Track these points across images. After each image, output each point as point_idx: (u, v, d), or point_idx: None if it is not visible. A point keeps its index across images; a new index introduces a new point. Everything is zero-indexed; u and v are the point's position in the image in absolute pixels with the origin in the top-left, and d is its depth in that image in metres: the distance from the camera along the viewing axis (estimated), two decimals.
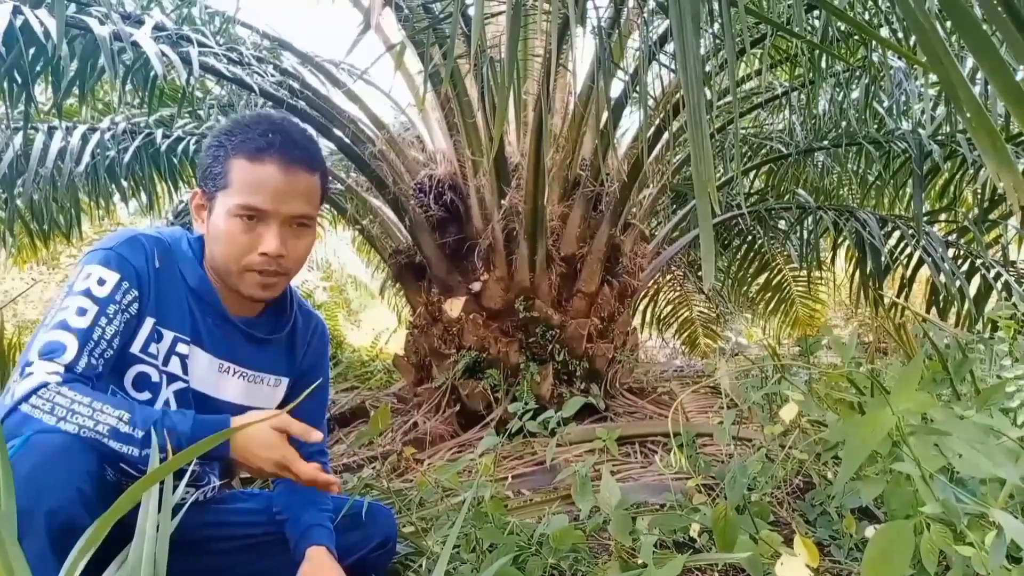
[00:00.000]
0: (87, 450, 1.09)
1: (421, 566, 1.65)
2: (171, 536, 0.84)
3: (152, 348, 1.27)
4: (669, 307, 6.88)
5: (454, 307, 3.26)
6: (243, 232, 1.25)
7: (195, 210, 1.34)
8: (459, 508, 1.85)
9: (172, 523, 0.85)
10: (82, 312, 1.17)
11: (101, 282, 1.20)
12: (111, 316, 1.19)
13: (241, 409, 1.40)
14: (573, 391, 3.18)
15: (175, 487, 0.93)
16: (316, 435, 1.19)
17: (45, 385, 1.09)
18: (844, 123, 3.87)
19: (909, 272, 4.15)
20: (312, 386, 1.23)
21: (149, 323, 1.26)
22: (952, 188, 4.14)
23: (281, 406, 1.47)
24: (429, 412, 3.19)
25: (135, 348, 1.25)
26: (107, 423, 1.08)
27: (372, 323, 9.53)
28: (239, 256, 1.26)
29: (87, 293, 1.18)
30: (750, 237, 5.30)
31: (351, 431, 3.38)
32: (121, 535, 0.86)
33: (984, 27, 0.77)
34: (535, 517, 1.91)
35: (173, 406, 1.28)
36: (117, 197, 4.08)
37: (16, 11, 2.19)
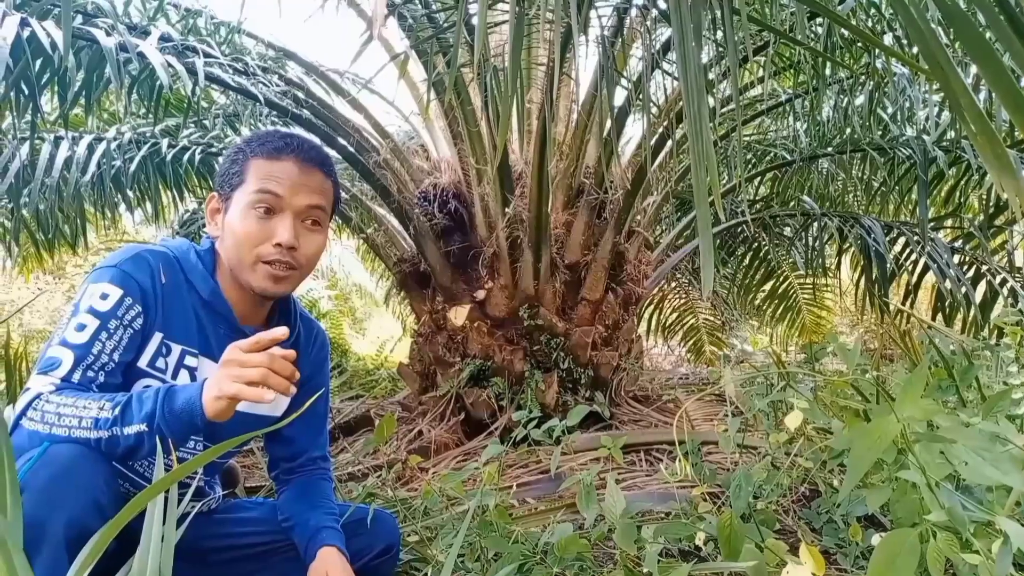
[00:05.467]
0: (103, 461, 1.11)
1: (426, 574, 1.65)
2: (176, 546, 0.85)
3: (160, 362, 1.28)
4: (674, 314, 6.87)
5: (458, 315, 3.26)
6: (257, 224, 1.28)
7: (210, 214, 1.38)
8: (464, 517, 1.85)
9: (177, 533, 0.86)
10: (81, 328, 1.19)
11: (104, 297, 1.22)
12: (112, 331, 1.21)
13: (247, 417, 1.41)
14: (578, 399, 3.18)
15: (179, 497, 0.94)
16: (281, 331, 1.11)
17: (39, 396, 1.12)
18: (848, 130, 3.86)
19: (914, 278, 4.14)
20: (316, 395, 1.25)
21: (157, 338, 1.28)
22: (957, 194, 4.12)
23: (286, 414, 1.48)
24: (434, 420, 3.19)
25: (142, 363, 1.26)
26: (90, 416, 1.09)
27: (377, 331, 9.55)
28: (253, 246, 1.29)
29: (89, 310, 1.21)
30: (755, 244, 5.29)
31: (356, 440, 3.38)
32: (129, 546, 0.87)
33: (986, 35, 0.77)
34: (540, 526, 1.91)
35: None
36: (123, 207, 4.09)
37: (23, 23, 2.21)
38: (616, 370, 3.39)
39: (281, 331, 1.11)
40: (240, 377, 1.06)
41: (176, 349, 1.30)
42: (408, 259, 3.63)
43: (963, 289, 3.76)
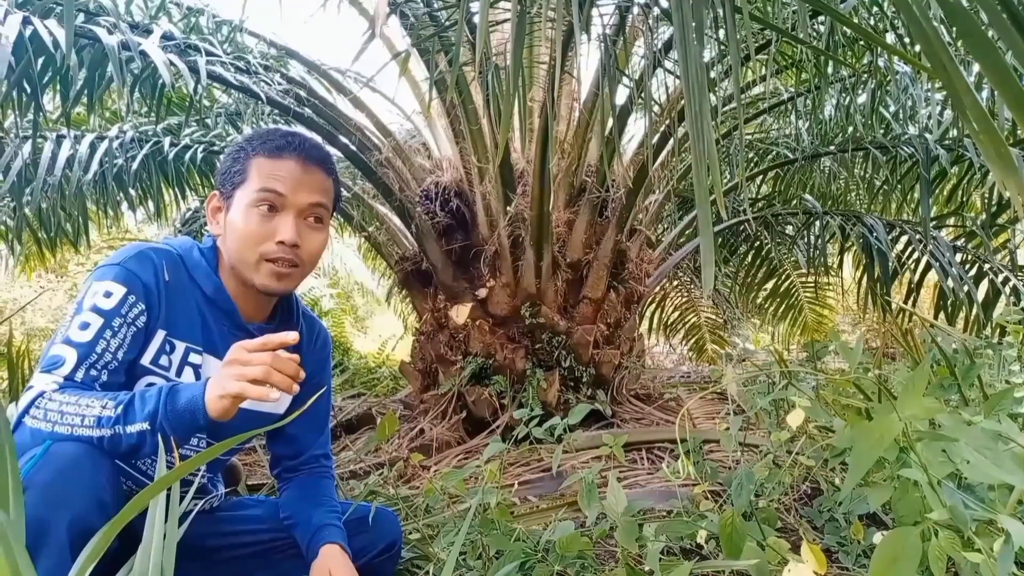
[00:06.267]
0: (105, 459, 1.10)
1: (428, 572, 1.65)
2: (178, 544, 0.85)
3: (163, 360, 1.28)
4: (676, 313, 6.87)
5: (460, 314, 3.26)
6: (260, 222, 1.29)
7: (211, 212, 1.38)
8: (465, 515, 1.85)
9: (179, 531, 0.86)
10: (85, 327, 1.19)
11: (107, 295, 1.22)
12: (116, 329, 1.20)
13: (250, 414, 1.41)
14: (579, 397, 3.18)
15: (182, 495, 0.94)
16: (291, 336, 1.11)
17: (41, 395, 1.12)
18: (851, 128, 3.86)
19: (917, 277, 4.14)
20: (318, 393, 1.25)
21: (160, 335, 1.28)
22: (959, 192, 4.12)
23: (288, 412, 1.48)
24: (435, 419, 3.19)
25: (145, 360, 1.26)
26: (92, 414, 1.09)
27: (379, 330, 9.55)
28: (256, 244, 1.29)
29: (93, 308, 1.21)
30: (757, 243, 5.29)
31: (358, 438, 3.39)
32: (131, 544, 0.87)
33: (988, 33, 0.77)
34: (541, 524, 1.91)
35: None
36: (125, 205, 4.10)
37: (26, 21, 2.21)
38: (618, 368, 3.39)
39: (292, 335, 1.11)
40: (243, 375, 1.06)
41: (180, 347, 1.30)
42: (410, 257, 3.63)
43: (965, 288, 3.76)
